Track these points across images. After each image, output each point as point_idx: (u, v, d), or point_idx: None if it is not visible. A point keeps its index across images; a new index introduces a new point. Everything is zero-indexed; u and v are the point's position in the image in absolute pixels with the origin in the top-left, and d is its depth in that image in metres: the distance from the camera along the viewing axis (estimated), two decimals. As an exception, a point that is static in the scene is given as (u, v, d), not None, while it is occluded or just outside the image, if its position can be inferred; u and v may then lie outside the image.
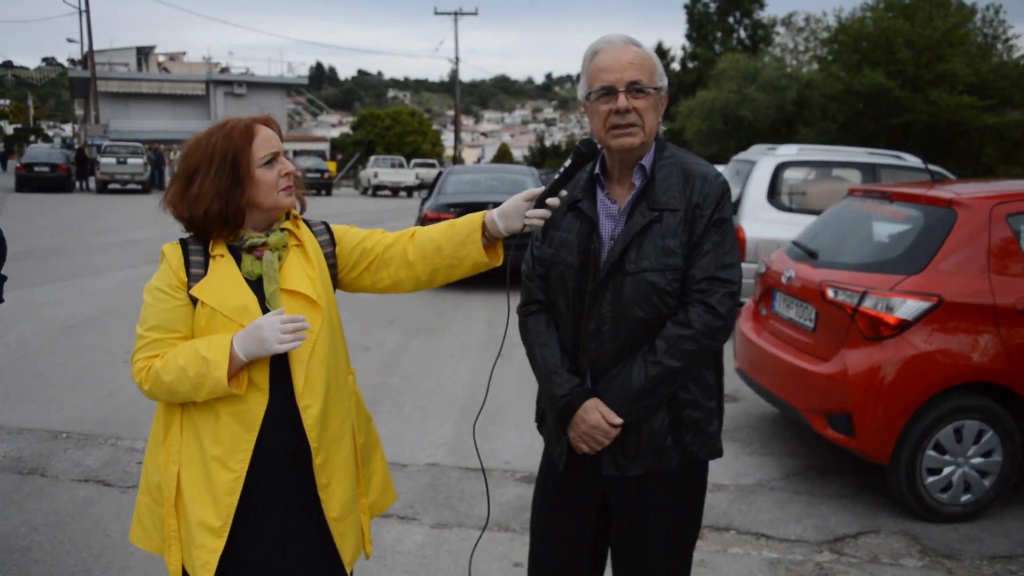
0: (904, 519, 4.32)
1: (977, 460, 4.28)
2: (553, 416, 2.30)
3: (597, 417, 2.18)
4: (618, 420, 2.17)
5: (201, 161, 2.06)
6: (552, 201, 2.16)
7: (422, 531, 4.10)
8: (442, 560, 3.81)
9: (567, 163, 2.20)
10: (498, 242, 2.25)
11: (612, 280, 2.17)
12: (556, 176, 2.19)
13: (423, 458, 5.06)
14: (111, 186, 30.55)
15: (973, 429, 4.25)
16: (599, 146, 2.23)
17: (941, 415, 4.22)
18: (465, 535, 4.06)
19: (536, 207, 2.16)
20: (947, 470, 4.27)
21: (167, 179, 35.27)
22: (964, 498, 4.30)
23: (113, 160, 30.08)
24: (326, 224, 2.30)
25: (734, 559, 3.90)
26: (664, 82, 2.21)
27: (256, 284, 2.10)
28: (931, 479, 4.27)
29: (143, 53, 55.51)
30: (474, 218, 2.21)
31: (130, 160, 30.25)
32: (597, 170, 2.29)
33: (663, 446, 2.21)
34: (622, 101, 2.14)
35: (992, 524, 4.29)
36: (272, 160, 2.10)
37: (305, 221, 2.26)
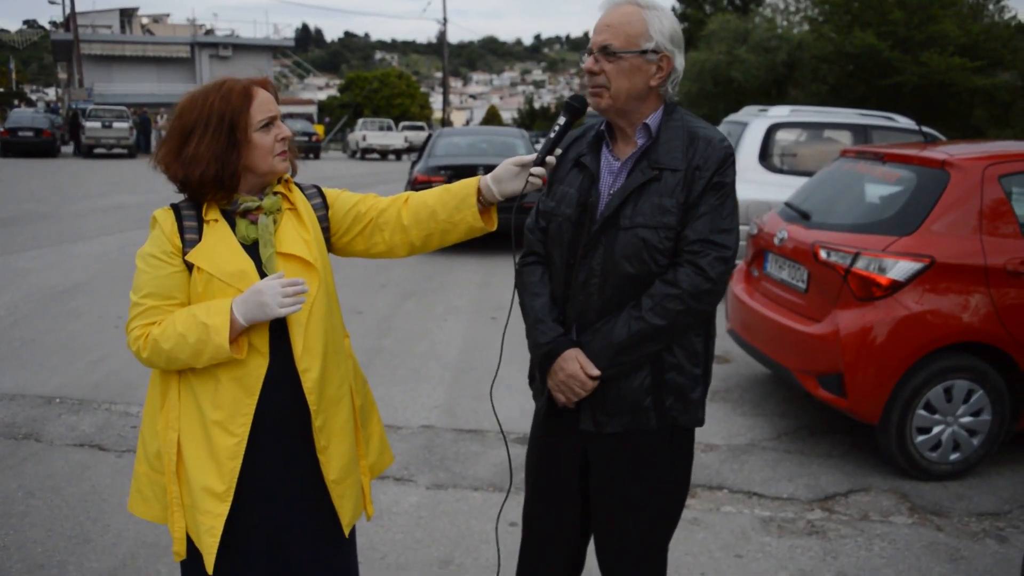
0: (894, 478, 4.38)
1: (966, 419, 4.33)
2: (536, 364, 2.33)
3: (575, 367, 2.20)
4: (596, 372, 2.18)
5: (197, 121, 2.03)
6: (550, 159, 2.18)
7: (418, 492, 4.13)
8: (438, 520, 3.85)
9: (560, 120, 2.20)
10: (492, 207, 2.26)
11: (605, 234, 2.18)
12: (551, 134, 2.20)
13: (417, 420, 5.09)
14: (96, 150, 30.23)
15: (963, 389, 4.30)
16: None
17: (931, 375, 4.26)
18: (461, 496, 4.10)
19: (536, 165, 2.17)
20: (937, 429, 4.32)
21: (154, 144, 35.08)
22: (953, 457, 4.36)
23: (98, 124, 29.70)
24: (318, 188, 2.29)
25: (727, 517, 3.95)
26: (650, 45, 2.14)
27: (251, 248, 2.08)
28: (921, 438, 4.32)
29: (126, 15, 54.64)
30: (469, 183, 2.21)
31: (115, 124, 29.87)
32: (603, 127, 2.29)
33: (642, 406, 2.22)
34: (588, 63, 2.18)
35: (980, 482, 4.35)
36: (269, 124, 2.07)
37: (297, 184, 2.24)
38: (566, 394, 2.25)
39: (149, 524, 3.68)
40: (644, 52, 2.14)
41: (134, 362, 5.98)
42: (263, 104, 2.07)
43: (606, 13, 2.18)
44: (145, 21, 57.99)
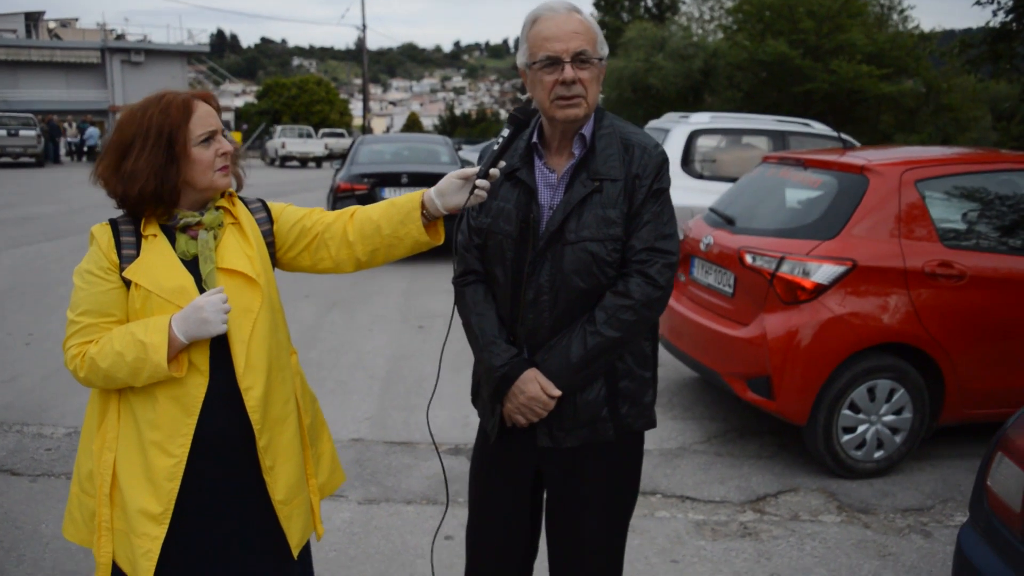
0: (821, 477, 4.46)
1: (889, 418, 4.44)
2: (489, 388, 2.27)
3: (536, 388, 2.16)
4: (557, 392, 2.16)
5: (136, 135, 1.98)
6: (494, 172, 2.14)
7: (350, 507, 4.04)
8: (371, 536, 3.77)
9: (504, 132, 2.17)
10: (438, 221, 2.22)
11: (551, 250, 2.15)
12: (494, 146, 2.17)
13: (347, 433, 4.99)
14: (2, 159, 29.05)
15: (885, 388, 4.40)
16: (536, 113, 2.20)
17: (855, 375, 4.35)
18: (393, 510, 4.03)
19: (479, 178, 2.13)
20: (861, 428, 4.42)
21: (63, 153, 33.83)
22: (877, 454, 4.46)
23: (3, 132, 28.57)
24: (263, 201, 2.25)
25: (661, 522, 3.96)
26: (606, 51, 2.17)
27: (191, 264, 2.03)
28: (846, 437, 4.41)
29: (32, 19, 52.57)
30: (413, 197, 2.18)
31: (22, 132, 28.74)
32: (535, 139, 2.25)
33: (599, 417, 2.21)
34: (568, 72, 2.09)
35: (903, 479, 4.47)
36: (209, 139, 2.03)
37: (241, 199, 2.20)
38: (526, 416, 2.21)
39: (66, 552, 3.52)
40: (602, 59, 2.16)
41: (47, 382, 5.74)
42: (203, 118, 2.02)
43: (564, 20, 2.12)
44: (52, 26, 55.92)
